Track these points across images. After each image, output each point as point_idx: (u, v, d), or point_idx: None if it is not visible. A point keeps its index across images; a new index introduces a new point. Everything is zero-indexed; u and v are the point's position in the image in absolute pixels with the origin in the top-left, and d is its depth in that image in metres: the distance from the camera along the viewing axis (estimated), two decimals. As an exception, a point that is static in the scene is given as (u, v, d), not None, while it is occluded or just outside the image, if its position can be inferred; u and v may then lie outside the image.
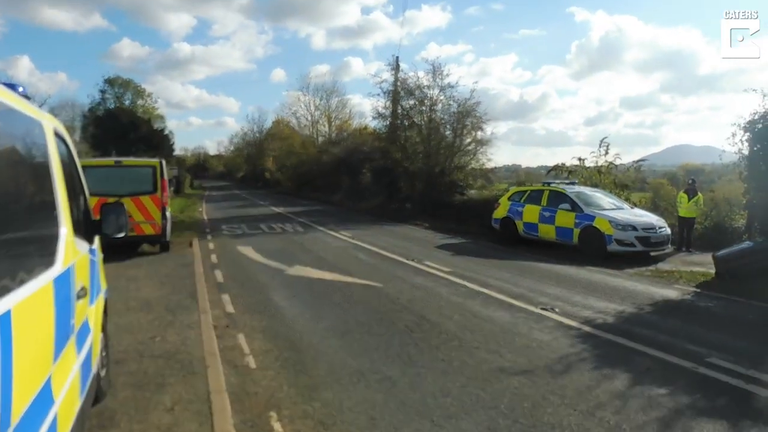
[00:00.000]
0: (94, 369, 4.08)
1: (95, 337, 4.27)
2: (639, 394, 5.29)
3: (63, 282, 3.09)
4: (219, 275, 11.29)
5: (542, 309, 8.54)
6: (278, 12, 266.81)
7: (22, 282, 2.35)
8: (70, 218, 3.52)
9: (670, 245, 14.49)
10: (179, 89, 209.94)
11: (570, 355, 6.44)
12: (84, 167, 4.85)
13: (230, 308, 8.61)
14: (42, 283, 2.64)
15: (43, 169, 3.12)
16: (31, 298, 2.42)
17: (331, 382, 5.54)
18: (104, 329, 5.13)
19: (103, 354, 4.94)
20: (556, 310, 8.50)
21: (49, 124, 3.44)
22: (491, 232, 18.16)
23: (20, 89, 3.15)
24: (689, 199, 15.35)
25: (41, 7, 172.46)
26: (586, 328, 7.54)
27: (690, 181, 16.37)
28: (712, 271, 11.40)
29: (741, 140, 13.86)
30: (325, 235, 18.92)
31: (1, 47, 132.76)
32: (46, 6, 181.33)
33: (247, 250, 14.80)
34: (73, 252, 3.51)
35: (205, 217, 26.57)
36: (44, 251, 2.92)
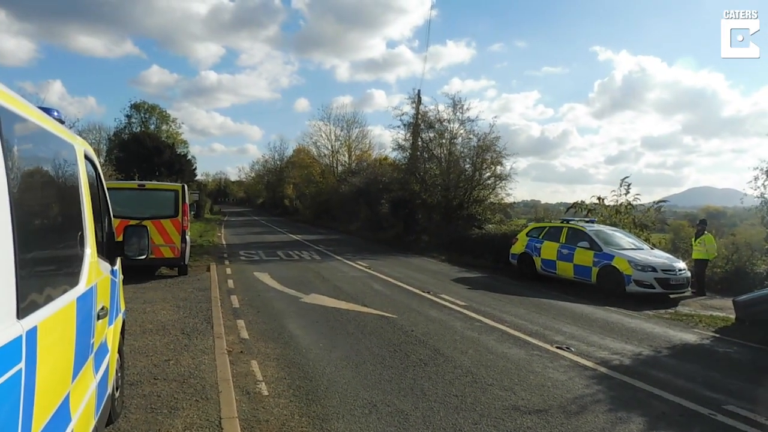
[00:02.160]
0: (109, 389, 4.12)
1: (112, 357, 4.32)
2: (655, 439, 5.19)
3: (85, 301, 3.16)
4: (235, 300, 11.35)
5: (558, 347, 8.45)
6: (304, 44, 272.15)
7: (47, 299, 2.42)
8: (94, 239, 3.62)
9: (690, 288, 14.28)
10: (204, 116, 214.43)
11: (585, 396, 6.35)
12: (108, 189, 4.96)
13: (245, 334, 8.63)
14: (66, 302, 2.70)
15: (73, 190, 3.23)
16: (55, 316, 2.48)
17: (343, 413, 5.51)
18: (120, 350, 5.18)
19: (118, 374, 4.98)
20: (572, 349, 8.40)
21: (80, 147, 3.58)
22: (508, 268, 18.08)
23: (55, 113, 3.29)
24: (695, 241, 15.41)
25: (75, 35, 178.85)
26: (602, 369, 7.43)
27: (697, 223, 16.33)
28: (733, 316, 11.19)
29: (764, 184, 13.80)
30: (342, 264, 18.96)
31: (35, 72, 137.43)
32: (80, 33, 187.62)
33: (264, 277, 14.88)
34: (96, 272, 3.59)
35: (224, 242, 26.82)
36: (69, 270, 3.00)
